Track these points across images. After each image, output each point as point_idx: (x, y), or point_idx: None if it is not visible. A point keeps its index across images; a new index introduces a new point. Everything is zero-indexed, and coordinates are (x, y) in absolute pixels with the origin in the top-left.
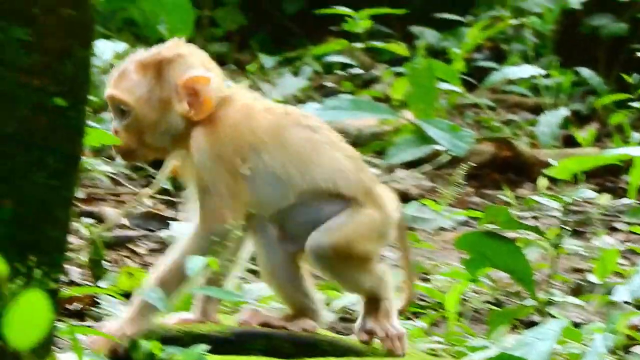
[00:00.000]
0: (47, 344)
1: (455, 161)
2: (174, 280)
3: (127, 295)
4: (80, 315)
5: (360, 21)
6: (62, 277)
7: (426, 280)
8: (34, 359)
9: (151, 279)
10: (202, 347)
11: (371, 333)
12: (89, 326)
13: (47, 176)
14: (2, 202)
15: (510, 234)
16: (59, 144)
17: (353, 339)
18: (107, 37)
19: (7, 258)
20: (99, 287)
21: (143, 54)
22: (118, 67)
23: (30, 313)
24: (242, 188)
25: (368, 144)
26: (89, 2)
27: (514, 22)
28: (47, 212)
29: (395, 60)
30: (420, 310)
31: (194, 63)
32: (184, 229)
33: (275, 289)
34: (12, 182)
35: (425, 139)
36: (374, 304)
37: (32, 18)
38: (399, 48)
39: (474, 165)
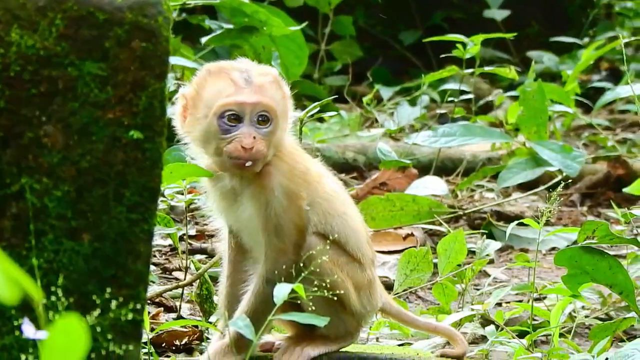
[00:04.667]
0: None
1: (569, 182)
2: (257, 310)
3: None
4: (189, 350)
5: (472, 47)
6: (174, 314)
7: (538, 300)
8: None
9: (238, 311)
10: None
11: (269, 350)
12: None
13: (125, 210)
14: (80, 237)
15: (622, 251)
16: (136, 177)
17: None
18: None
19: (87, 291)
20: (208, 322)
21: (265, 68)
22: (246, 76)
23: (67, 340)
24: (305, 224)
25: (483, 168)
26: (162, 34)
27: (628, 40)
28: (128, 246)
29: (512, 86)
30: (526, 329)
31: None
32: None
33: None
34: (90, 216)
35: (538, 161)
36: (313, 337)
37: (105, 52)
38: (510, 72)
39: (588, 184)
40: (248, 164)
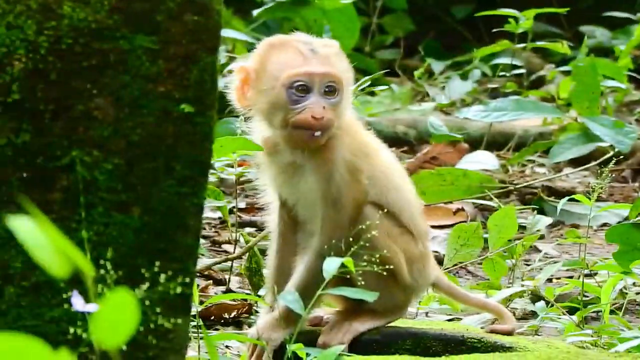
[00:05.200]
0: (180, 349)
1: (620, 158)
2: (309, 284)
3: None
4: (238, 323)
5: (524, 21)
6: (223, 287)
7: (589, 276)
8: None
9: (289, 285)
10: (341, 348)
11: (318, 324)
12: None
13: (175, 183)
14: (130, 210)
15: None
16: (186, 150)
17: (499, 336)
18: None
19: (136, 264)
20: (257, 295)
21: (327, 40)
22: (311, 47)
23: (117, 314)
24: (364, 198)
25: (534, 143)
26: (214, 7)
27: None
28: (177, 219)
29: (564, 61)
30: (577, 306)
31: None
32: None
33: None
34: (139, 190)
35: (589, 136)
36: (361, 312)
37: (157, 25)
38: (562, 47)
39: None
40: (317, 134)
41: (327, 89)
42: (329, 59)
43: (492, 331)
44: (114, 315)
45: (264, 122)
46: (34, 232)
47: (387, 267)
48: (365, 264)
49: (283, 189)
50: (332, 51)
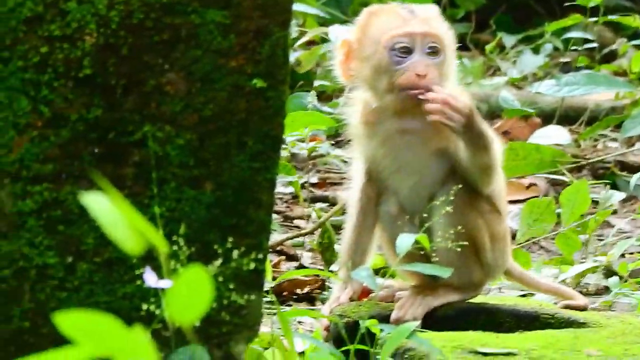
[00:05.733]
0: (253, 325)
1: None
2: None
3: None
4: (310, 299)
5: None
6: (295, 262)
7: None
8: (195, 337)
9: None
10: (415, 324)
11: (391, 300)
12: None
13: (247, 158)
14: (202, 185)
15: None
16: (258, 125)
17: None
18: (343, 22)
19: (209, 240)
20: (330, 271)
21: (425, 5)
22: (410, 9)
23: (191, 290)
24: None
25: (606, 117)
26: None
27: None
28: (250, 195)
29: (636, 35)
30: None
31: None
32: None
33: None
34: (211, 165)
35: None
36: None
37: (228, 0)
38: (634, 21)
39: None
40: (422, 95)
41: (429, 50)
42: (429, 20)
43: (566, 307)
44: (188, 292)
45: (370, 90)
46: (107, 208)
47: (470, 243)
48: (447, 239)
49: (384, 159)
50: (431, 13)
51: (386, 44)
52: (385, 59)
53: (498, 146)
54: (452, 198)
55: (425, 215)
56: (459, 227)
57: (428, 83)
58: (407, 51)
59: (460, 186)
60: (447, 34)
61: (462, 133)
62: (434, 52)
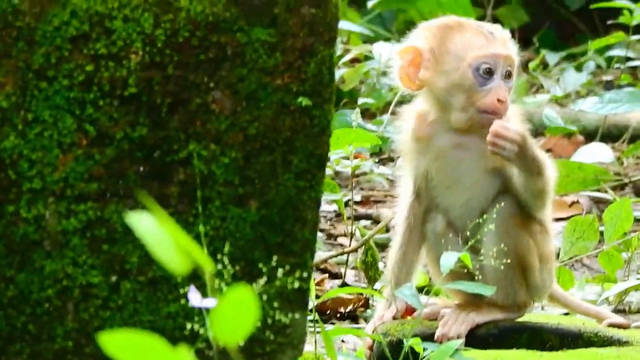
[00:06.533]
0: (297, 344)
1: None
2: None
3: None
4: (354, 317)
5: (639, 13)
6: (338, 280)
7: None
8: (240, 356)
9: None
10: (459, 342)
11: (435, 318)
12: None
13: (293, 177)
14: (247, 204)
15: None
16: (304, 144)
17: (616, 330)
18: (387, 40)
19: (253, 259)
20: (374, 289)
21: (497, 25)
22: (491, 29)
23: (236, 309)
24: None
25: None
26: (332, 0)
27: None
28: (295, 213)
29: None
30: None
31: None
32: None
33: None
34: (257, 183)
35: None
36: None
37: (274, 18)
38: None
39: None
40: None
41: (505, 73)
42: (507, 42)
43: (609, 325)
44: (233, 311)
45: (436, 103)
46: (152, 227)
47: (519, 264)
48: (496, 258)
49: (437, 175)
50: (507, 35)
51: (471, 63)
52: (469, 79)
53: (551, 170)
54: (502, 216)
55: (473, 233)
56: (509, 247)
57: (506, 109)
58: (489, 72)
59: (511, 205)
60: (517, 57)
61: (515, 160)
62: (509, 75)
